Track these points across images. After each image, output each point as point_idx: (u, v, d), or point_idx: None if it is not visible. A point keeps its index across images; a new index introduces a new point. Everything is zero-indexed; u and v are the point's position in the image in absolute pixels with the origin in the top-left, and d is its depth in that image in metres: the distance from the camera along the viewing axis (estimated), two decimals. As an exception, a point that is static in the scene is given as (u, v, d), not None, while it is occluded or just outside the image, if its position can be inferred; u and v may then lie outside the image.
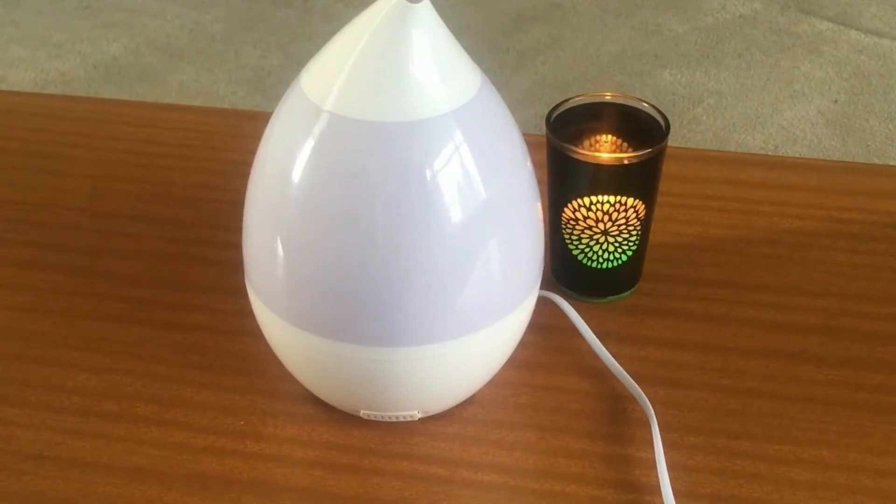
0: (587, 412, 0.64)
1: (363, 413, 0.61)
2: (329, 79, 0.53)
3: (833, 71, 2.30)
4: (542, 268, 0.61)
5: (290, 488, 0.60)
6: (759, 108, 2.18)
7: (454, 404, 0.63)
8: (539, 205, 0.60)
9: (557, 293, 0.70)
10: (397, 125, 0.52)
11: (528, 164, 0.58)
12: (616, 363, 0.65)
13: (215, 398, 0.65)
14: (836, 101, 2.20)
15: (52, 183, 0.83)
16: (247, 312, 0.61)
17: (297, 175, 0.54)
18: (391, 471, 0.60)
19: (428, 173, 0.53)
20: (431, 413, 0.62)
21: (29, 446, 0.62)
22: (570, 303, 0.68)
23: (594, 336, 0.66)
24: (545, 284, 0.66)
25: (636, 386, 0.63)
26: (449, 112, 0.53)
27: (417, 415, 0.61)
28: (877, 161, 2.02)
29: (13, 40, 2.31)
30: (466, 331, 0.56)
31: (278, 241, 0.56)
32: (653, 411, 0.61)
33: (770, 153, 2.04)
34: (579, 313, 0.67)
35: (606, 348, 0.66)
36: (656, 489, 0.58)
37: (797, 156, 2.06)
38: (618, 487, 0.59)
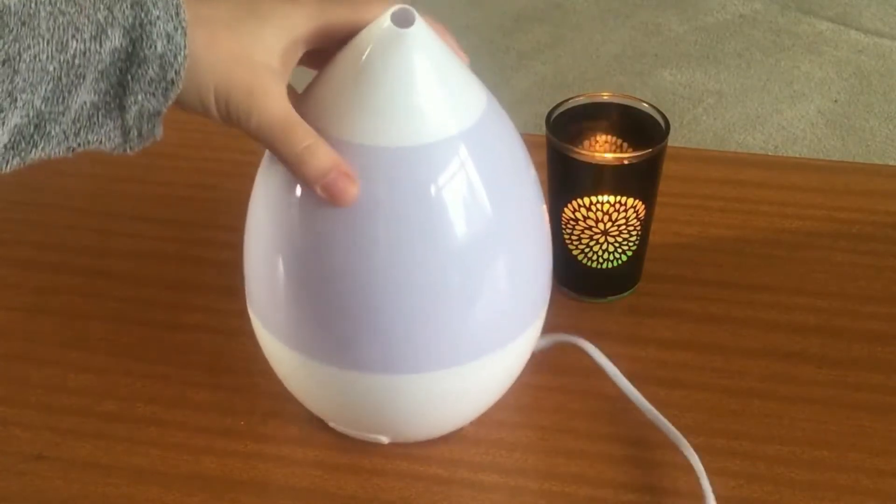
0: (587, 412, 0.64)
1: (370, 437, 0.60)
2: (330, 104, 0.52)
3: (833, 71, 2.30)
4: (549, 291, 0.60)
5: (289, 488, 0.60)
6: (759, 108, 2.18)
7: (457, 428, 0.62)
8: (547, 225, 0.59)
9: (558, 294, 0.69)
10: (404, 150, 0.51)
11: (536, 180, 0.57)
12: (617, 368, 0.64)
13: (215, 398, 0.65)
14: (836, 101, 2.20)
15: (52, 183, 0.83)
16: (247, 313, 0.61)
17: (300, 200, 0.53)
18: (391, 471, 0.60)
19: (435, 198, 0.52)
20: (434, 437, 0.62)
21: (29, 446, 0.62)
22: (570, 303, 0.68)
23: (616, 371, 0.64)
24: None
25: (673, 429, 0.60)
26: (456, 134, 0.52)
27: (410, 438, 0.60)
28: (877, 161, 2.02)
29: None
30: (470, 358, 0.55)
31: (280, 266, 0.55)
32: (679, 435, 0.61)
33: (770, 153, 2.04)
34: (579, 313, 0.67)
35: (606, 348, 0.65)
36: (656, 489, 0.58)
37: (797, 156, 2.06)
38: (618, 488, 0.59)
